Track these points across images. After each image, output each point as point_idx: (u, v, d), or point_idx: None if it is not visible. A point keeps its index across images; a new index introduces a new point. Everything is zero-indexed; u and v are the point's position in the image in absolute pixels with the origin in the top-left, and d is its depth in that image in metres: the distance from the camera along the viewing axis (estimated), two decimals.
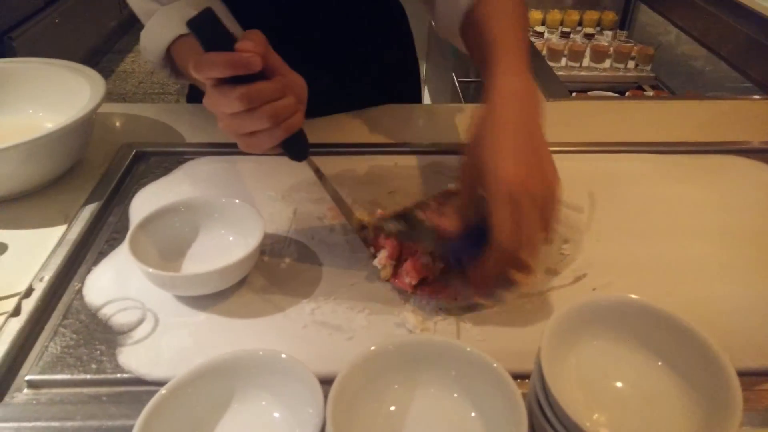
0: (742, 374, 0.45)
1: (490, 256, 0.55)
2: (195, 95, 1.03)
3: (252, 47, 0.52)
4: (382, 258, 0.64)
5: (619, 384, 0.48)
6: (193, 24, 0.52)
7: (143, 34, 0.75)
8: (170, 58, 0.75)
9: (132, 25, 4.08)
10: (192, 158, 0.84)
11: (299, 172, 0.81)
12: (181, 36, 0.71)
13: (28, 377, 0.53)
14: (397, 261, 0.64)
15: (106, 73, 3.53)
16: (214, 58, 0.52)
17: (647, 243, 0.71)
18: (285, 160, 0.83)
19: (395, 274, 0.64)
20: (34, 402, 0.52)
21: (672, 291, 0.64)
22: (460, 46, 0.82)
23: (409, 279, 0.62)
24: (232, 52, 0.52)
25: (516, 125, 0.57)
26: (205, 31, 0.53)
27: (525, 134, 0.57)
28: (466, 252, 0.58)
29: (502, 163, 0.54)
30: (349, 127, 0.92)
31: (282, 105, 0.55)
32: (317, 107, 0.91)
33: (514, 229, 0.53)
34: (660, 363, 0.48)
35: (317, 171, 0.65)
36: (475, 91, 1.78)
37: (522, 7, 0.72)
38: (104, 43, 3.72)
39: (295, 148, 0.61)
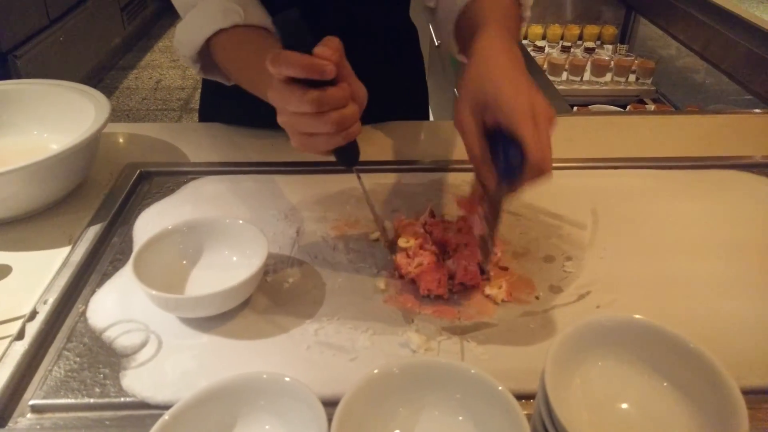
0: (749, 392, 0.45)
1: (527, 172, 0.56)
2: (207, 114, 1.04)
3: (329, 55, 0.53)
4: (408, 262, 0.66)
5: (624, 405, 0.48)
6: (279, 21, 0.53)
7: (180, 26, 0.76)
8: (203, 53, 0.77)
9: (136, 42, 4.12)
10: (196, 177, 0.85)
11: (302, 191, 0.82)
12: (221, 30, 0.73)
13: (31, 402, 0.53)
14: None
15: (110, 89, 3.55)
16: (293, 59, 0.53)
17: (651, 259, 0.71)
18: (288, 179, 0.84)
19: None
20: (38, 427, 0.52)
21: (676, 308, 0.64)
22: (454, 50, 0.85)
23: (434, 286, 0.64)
24: (311, 56, 0.53)
25: (511, 65, 0.60)
26: (289, 29, 0.53)
27: (519, 72, 0.60)
28: (510, 173, 0.58)
29: (517, 91, 0.57)
30: None
31: (347, 113, 0.56)
32: None
33: (543, 144, 0.55)
34: (665, 384, 0.48)
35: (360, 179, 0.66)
36: None
37: (515, 7, 0.77)
38: (108, 59, 3.75)
39: (347, 155, 0.61)
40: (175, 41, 0.78)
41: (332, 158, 0.61)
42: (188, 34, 0.75)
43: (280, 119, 0.57)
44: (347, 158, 0.62)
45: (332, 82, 0.54)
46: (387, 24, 0.96)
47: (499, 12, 0.72)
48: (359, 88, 0.58)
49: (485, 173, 0.59)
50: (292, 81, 0.54)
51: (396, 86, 1.00)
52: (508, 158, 0.57)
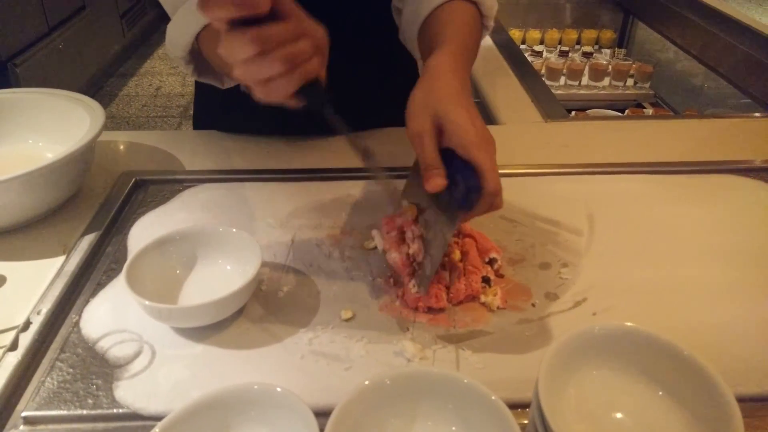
0: (745, 400, 0.45)
1: (482, 201, 0.58)
2: (201, 121, 1.04)
3: None
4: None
5: (619, 415, 0.47)
6: None
7: (170, 26, 0.75)
8: (195, 54, 0.76)
9: (135, 50, 4.12)
10: (191, 185, 0.84)
11: (297, 199, 0.81)
12: (210, 25, 0.71)
13: (24, 413, 0.53)
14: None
15: (110, 96, 3.56)
16: None
17: (648, 266, 0.70)
18: (283, 187, 0.84)
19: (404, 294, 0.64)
20: None
21: (673, 314, 0.64)
22: (416, 55, 0.86)
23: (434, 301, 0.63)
24: None
25: (461, 89, 0.63)
26: None
27: (467, 96, 0.63)
28: (467, 199, 0.59)
29: (469, 116, 0.59)
30: (346, 151, 0.92)
31: (297, 48, 0.53)
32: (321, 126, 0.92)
33: (497, 175, 0.57)
34: (661, 393, 0.48)
35: (365, 151, 0.65)
36: None
37: (477, 19, 0.79)
38: (108, 67, 3.76)
39: (314, 96, 0.57)
40: (167, 42, 0.77)
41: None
42: (177, 32, 0.74)
43: (236, 73, 0.54)
44: (314, 99, 0.58)
45: (277, 21, 0.52)
46: (379, 28, 0.96)
47: (458, 28, 0.73)
48: (313, 26, 0.55)
49: (438, 180, 0.60)
50: (236, 29, 0.52)
51: (391, 92, 1.00)
52: (467, 184, 0.58)
